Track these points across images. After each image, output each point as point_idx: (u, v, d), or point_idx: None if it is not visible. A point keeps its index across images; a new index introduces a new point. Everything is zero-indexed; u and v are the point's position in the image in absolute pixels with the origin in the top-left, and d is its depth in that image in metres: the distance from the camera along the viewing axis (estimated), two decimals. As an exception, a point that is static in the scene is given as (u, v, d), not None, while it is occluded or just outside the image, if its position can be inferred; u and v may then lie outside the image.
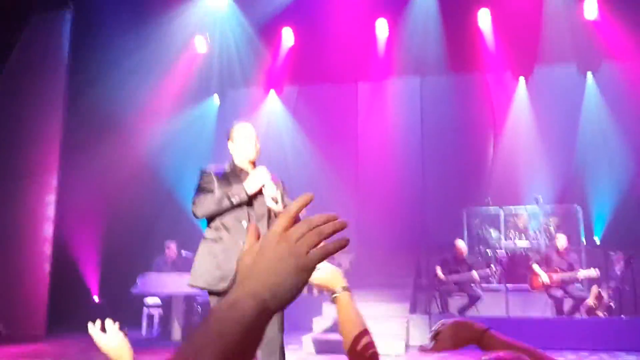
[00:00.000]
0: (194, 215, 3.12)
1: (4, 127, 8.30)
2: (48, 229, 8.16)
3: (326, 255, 0.68)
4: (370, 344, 1.41)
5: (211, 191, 3.08)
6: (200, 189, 3.13)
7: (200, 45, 10.24)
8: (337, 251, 0.69)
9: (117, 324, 1.73)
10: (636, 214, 8.29)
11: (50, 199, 8.23)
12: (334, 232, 0.69)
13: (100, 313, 8.34)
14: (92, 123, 8.68)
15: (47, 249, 8.05)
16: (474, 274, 7.61)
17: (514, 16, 9.31)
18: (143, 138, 9.01)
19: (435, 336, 1.44)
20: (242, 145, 3.17)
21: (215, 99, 11.01)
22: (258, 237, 0.74)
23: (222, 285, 3.02)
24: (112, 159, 8.57)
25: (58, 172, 8.31)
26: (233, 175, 3.15)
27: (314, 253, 0.67)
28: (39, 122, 8.48)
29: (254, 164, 3.22)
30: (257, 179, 3.06)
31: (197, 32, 10.06)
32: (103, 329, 1.71)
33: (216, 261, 3.05)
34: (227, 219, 3.08)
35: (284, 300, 0.66)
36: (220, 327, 0.62)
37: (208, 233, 3.13)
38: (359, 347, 1.39)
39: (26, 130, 8.43)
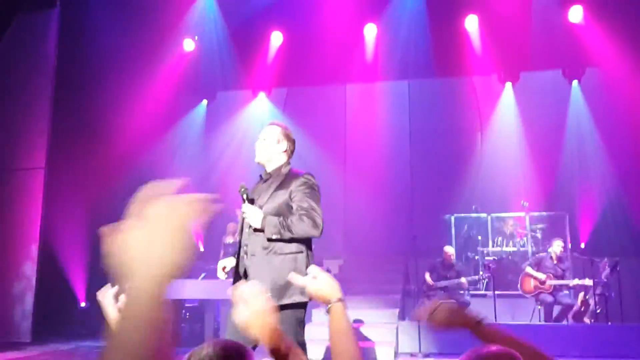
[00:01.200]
0: None
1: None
2: (34, 232, 8.04)
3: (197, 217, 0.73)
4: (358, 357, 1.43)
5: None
6: None
7: (189, 47, 10.16)
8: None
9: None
10: (622, 221, 8.41)
11: (37, 197, 8.11)
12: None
13: (86, 319, 8.30)
14: (79, 123, 8.57)
15: (34, 254, 7.91)
16: (462, 280, 7.67)
17: (502, 22, 9.40)
18: (131, 139, 8.91)
19: (431, 313, 1.49)
20: None
21: (204, 102, 10.96)
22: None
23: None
24: (99, 159, 8.47)
25: (45, 173, 8.19)
26: (256, 184, 3.29)
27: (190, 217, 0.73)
28: (25, 121, 8.36)
29: (269, 165, 3.26)
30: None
31: (186, 33, 9.98)
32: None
33: None
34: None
35: (181, 266, 0.71)
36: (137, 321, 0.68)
37: None
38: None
39: (13, 128, 8.30)
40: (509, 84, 10.26)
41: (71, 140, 8.43)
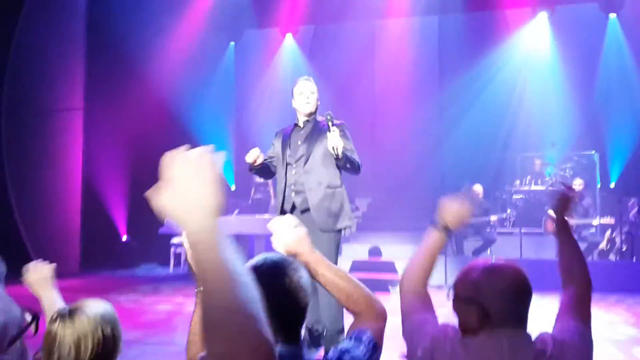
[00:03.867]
0: None
1: (28, 65, 8.38)
2: (77, 170, 8.40)
3: (211, 163, 0.80)
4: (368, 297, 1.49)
5: (269, 156, 3.65)
6: None
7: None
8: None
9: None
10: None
11: (77, 137, 8.42)
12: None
13: (129, 252, 8.75)
14: (113, 66, 8.72)
15: (78, 191, 8.31)
16: (490, 217, 7.81)
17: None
18: (164, 79, 9.04)
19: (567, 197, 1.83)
20: (297, 101, 3.58)
21: (232, 44, 10.97)
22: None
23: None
24: (134, 100, 8.66)
25: (83, 111, 8.45)
26: (292, 131, 3.62)
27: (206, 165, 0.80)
28: (62, 64, 8.57)
29: (311, 116, 3.60)
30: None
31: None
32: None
33: None
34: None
35: (216, 210, 0.79)
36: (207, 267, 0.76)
37: None
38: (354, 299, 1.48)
39: (50, 71, 8.50)
40: (543, 15, 9.90)
41: (106, 82, 8.62)
